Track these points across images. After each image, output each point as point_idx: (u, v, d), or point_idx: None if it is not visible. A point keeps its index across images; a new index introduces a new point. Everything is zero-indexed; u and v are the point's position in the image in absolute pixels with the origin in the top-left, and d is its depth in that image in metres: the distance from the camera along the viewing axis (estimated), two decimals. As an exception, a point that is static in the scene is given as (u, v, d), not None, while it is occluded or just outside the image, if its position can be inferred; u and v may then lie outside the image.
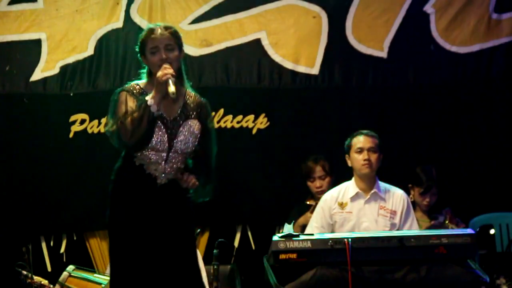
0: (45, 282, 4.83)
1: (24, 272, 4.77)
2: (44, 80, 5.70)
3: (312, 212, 5.09)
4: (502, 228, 5.48)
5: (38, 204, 5.65)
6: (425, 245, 3.99)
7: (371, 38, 5.81)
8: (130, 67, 5.69)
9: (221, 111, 5.71)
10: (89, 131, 5.69)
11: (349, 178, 5.00)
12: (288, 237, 3.99)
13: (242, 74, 5.79)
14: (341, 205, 4.90)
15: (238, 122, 5.72)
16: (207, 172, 3.79)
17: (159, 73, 3.60)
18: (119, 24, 5.75)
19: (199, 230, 5.41)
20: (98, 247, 5.77)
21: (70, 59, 5.72)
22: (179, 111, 3.75)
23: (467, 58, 5.81)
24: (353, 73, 5.81)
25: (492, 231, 5.50)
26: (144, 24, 5.69)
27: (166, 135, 3.68)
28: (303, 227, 5.11)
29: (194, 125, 3.75)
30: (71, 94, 5.72)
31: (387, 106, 5.81)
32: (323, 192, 5.18)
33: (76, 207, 5.70)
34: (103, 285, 4.63)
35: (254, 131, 5.75)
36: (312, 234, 4.18)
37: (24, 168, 5.67)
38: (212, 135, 3.84)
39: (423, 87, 5.81)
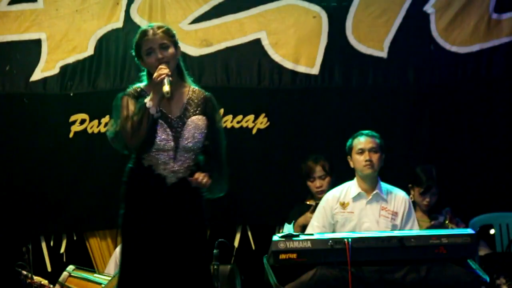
0: (45, 282, 4.83)
1: (24, 272, 4.77)
2: (44, 80, 5.71)
3: (312, 212, 5.08)
4: (502, 228, 5.48)
5: (38, 204, 5.65)
6: (425, 245, 3.99)
7: (371, 38, 5.81)
8: (130, 67, 5.69)
9: (221, 111, 5.68)
10: (89, 131, 5.69)
11: (349, 178, 5.00)
12: (288, 237, 3.99)
13: (242, 74, 5.79)
14: (343, 205, 4.90)
15: (238, 122, 5.71)
16: (219, 167, 3.77)
17: (155, 74, 3.60)
18: (119, 24, 5.75)
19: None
20: (98, 247, 5.77)
21: (70, 59, 5.72)
22: (183, 109, 3.74)
23: (467, 58, 5.80)
24: (353, 73, 5.81)
25: (492, 231, 5.50)
26: (144, 24, 5.67)
27: (171, 135, 3.68)
28: (303, 227, 5.11)
29: (199, 120, 3.74)
30: (71, 94, 5.72)
31: (387, 106, 5.81)
32: (323, 192, 5.18)
33: (76, 207, 5.70)
34: (103, 285, 4.64)
35: (254, 131, 5.75)
36: (312, 234, 4.18)
37: (24, 168, 5.67)
38: (220, 128, 3.83)
39: (423, 87, 5.81)
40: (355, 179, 4.96)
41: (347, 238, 3.96)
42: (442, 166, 5.50)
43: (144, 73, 3.79)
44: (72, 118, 5.69)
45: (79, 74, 5.72)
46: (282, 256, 3.94)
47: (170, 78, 3.61)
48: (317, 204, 5.07)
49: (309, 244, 3.96)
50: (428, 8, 5.81)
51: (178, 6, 5.77)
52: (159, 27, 3.74)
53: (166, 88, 3.56)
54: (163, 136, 3.66)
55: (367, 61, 5.81)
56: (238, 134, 5.71)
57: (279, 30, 5.80)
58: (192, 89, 3.81)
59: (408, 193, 5.11)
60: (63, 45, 5.73)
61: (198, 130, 3.72)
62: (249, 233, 5.82)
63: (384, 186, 4.94)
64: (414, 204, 5.15)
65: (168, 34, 3.74)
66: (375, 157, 4.86)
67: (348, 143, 4.96)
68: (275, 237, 4.02)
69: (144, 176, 3.70)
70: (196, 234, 3.71)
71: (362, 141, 4.90)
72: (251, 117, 5.74)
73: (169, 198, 3.67)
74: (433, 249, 3.98)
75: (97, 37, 5.73)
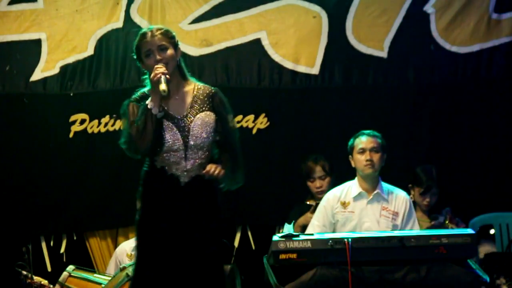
0: (45, 282, 4.83)
1: (24, 272, 4.77)
2: (44, 80, 5.71)
3: (312, 212, 5.08)
4: (502, 228, 5.47)
5: (38, 204, 5.65)
6: (425, 245, 3.98)
7: (371, 38, 5.80)
8: (130, 67, 5.70)
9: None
10: (89, 131, 5.69)
11: (349, 178, 5.00)
12: (288, 237, 3.99)
13: (242, 74, 5.79)
14: (344, 205, 4.90)
15: (238, 122, 5.70)
16: (232, 159, 3.80)
17: (152, 75, 3.62)
18: (119, 24, 5.75)
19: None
20: (98, 247, 5.77)
21: (70, 59, 5.72)
22: (189, 107, 3.75)
23: (467, 58, 5.80)
24: (353, 73, 5.81)
25: (492, 231, 5.50)
26: (144, 24, 5.69)
27: (178, 134, 3.69)
28: (303, 227, 5.11)
29: (207, 116, 3.74)
30: (71, 94, 5.72)
31: (387, 106, 5.81)
32: (323, 192, 5.18)
33: (76, 207, 5.70)
34: (103, 285, 4.63)
35: (254, 131, 5.74)
36: (312, 234, 4.18)
37: (24, 168, 5.67)
38: (230, 121, 3.84)
39: (423, 87, 5.81)
40: (356, 178, 4.96)
41: (347, 238, 3.95)
42: (442, 166, 5.50)
43: (147, 76, 3.79)
44: (72, 118, 5.69)
45: (79, 74, 5.72)
46: (282, 256, 3.94)
47: (167, 77, 3.61)
48: (317, 204, 5.07)
49: (309, 244, 3.96)
50: (428, 8, 5.81)
51: (178, 6, 5.76)
52: (158, 29, 3.76)
53: (163, 86, 3.57)
54: (171, 137, 3.69)
55: (367, 61, 5.81)
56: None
57: (279, 30, 5.80)
58: (197, 86, 3.82)
59: (408, 193, 5.11)
60: (63, 45, 5.73)
61: (206, 127, 3.73)
62: (249, 233, 5.82)
63: (385, 186, 4.95)
64: (414, 204, 5.15)
65: (167, 35, 3.75)
66: (376, 157, 4.86)
67: (350, 143, 4.97)
68: (275, 237, 4.02)
69: (158, 177, 3.73)
70: (212, 231, 3.74)
71: (363, 140, 4.91)
72: (251, 117, 5.74)
73: (184, 198, 3.69)
74: (433, 249, 3.97)
75: (97, 37, 5.73)
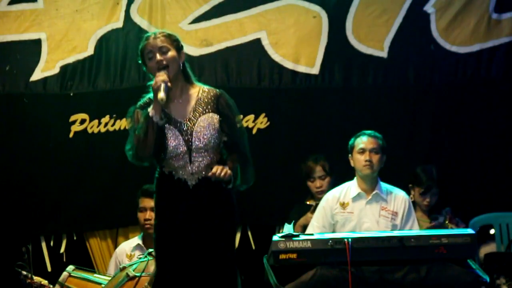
0: (45, 282, 4.82)
1: (24, 272, 4.76)
2: (44, 80, 5.70)
3: (312, 212, 5.09)
4: (502, 228, 5.47)
5: (38, 204, 5.65)
6: (425, 245, 3.98)
7: (371, 38, 5.80)
8: (130, 67, 5.70)
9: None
10: (89, 131, 5.69)
11: (349, 178, 5.00)
12: (288, 237, 3.99)
13: (242, 74, 5.79)
14: (343, 205, 4.91)
15: (238, 122, 5.71)
16: (241, 160, 3.81)
17: (153, 82, 3.63)
18: (119, 24, 5.75)
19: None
20: (98, 247, 5.77)
21: (70, 59, 5.72)
22: (192, 110, 3.75)
23: (467, 58, 5.80)
24: (353, 73, 5.81)
25: (492, 231, 5.50)
26: (144, 24, 5.69)
27: (181, 138, 3.70)
28: (304, 228, 5.11)
29: (210, 118, 3.74)
30: (71, 94, 5.72)
31: (387, 106, 5.81)
32: (323, 192, 5.18)
33: (76, 207, 5.70)
34: (103, 285, 4.63)
35: (254, 131, 5.74)
36: (312, 234, 4.18)
37: (24, 168, 5.67)
38: (237, 122, 3.84)
39: (423, 87, 5.81)
40: (355, 179, 4.97)
41: (347, 238, 3.95)
42: (442, 166, 5.50)
43: (151, 82, 3.77)
44: (72, 118, 5.68)
45: (79, 74, 5.72)
46: (282, 256, 3.94)
47: (169, 84, 3.62)
48: (317, 204, 5.07)
49: (309, 244, 3.95)
50: (428, 8, 5.81)
51: (178, 6, 5.76)
52: (160, 32, 3.79)
53: (161, 94, 3.57)
54: (174, 141, 3.70)
55: (367, 61, 5.80)
56: (238, 134, 5.71)
57: (279, 30, 5.80)
58: (202, 89, 3.83)
59: (408, 193, 5.11)
60: (63, 45, 5.72)
61: (209, 128, 3.73)
62: (249, 233, 5.82)
63: (384, 186, 4.95)
64: (414, 204, 5.15)
65: (170, 38, 3.76)
66: (375, 158, 4.87)
67: (350, 142, 4.97)
68: (275, 237, 4.02)
69: (167, 183, 3.75)
70: (226, 231, 3.77)
71: (364, 140, 4.91)
72: (251, 117, 5.74)
73: (194, 200, 3.71)
74: (433, 249, 3.97)
75: (97, 37, 5.73)
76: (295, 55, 5.78)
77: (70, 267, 4.81)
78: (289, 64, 5.78)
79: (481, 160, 5.77)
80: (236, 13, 5.78)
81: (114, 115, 5.66)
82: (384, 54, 5.81)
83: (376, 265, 3.97)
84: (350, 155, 4.97)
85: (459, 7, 5.79)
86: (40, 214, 5.66)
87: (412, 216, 4.91)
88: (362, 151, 4.88)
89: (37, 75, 5.70)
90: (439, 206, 5.20)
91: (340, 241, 3.95)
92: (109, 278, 4.68)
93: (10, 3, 5.71)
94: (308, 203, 5.36)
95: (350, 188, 4.95)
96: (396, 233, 4.24)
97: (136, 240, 5.31)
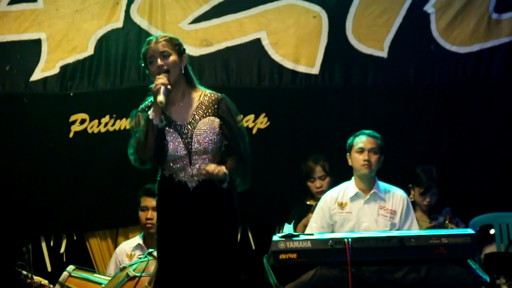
0: (45, 282, 4.82)
1: (24, 272, 4.76)
2: (44, 80, 5.70)
3: (313, 212, 5.08)
4: (502, 228, 5.47)
5: (38, 204, 5.65)
6: (425, 245, 3.98)
7: (371, 38, 5.80)
8: (130, 67, 5.70)
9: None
10: (89, 131, 5.69)
11: (349, 178, 5.00)
12: (288, 237, 3.99)
13: (242, 74, 5.79)
14: (341, 205, 4.91)
15: (238, 122, 5.71)
16: (240, 163, 3.81)
17: (153, 85, 3.64)
18: (119, 24, 5.75)
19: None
20: (98, 247, 5.77)
21: (70, 59, 5.72)
22: (193, 114, 3.76)
23: (467, 58, 5.80)
24: (353, 73, 5.81)
25: (492, 231, 5.50)
26: (144, 24, 5.69)
27: (181, 141, 3.72)
28: (306, 227, 5.11)
29: (210, 121, 3.75)
30: (71, 94, 5.72)
31: (387, 106, 5.81)
32: (323, 192, 5.18)
33: (76, 207, 5.70)
34: (103, 285, 4.63)
35: (254, 131, 5.74)
36: (312, 234, 4.18)
37: (24, 168, 5.67)
38: (238, 126, 3.84)
39: (423, 87, 5.81)
40: (353, 178, 4.97)
41: (347, 238, 3.95)
42: (442, 166, 5.50)
43: (152, 85, 3.78)
44: (72, 118, 5.68)
45: (79, 74, 5.72)
46: (282, 256, 3.94)
47: (168, 87, 3.63)
48: (317, 204, 5.07)
49: (309, 244, 3.95)
50: (429, 8, 5.81)
51: (178, 6, 5.76)
52: (162, 36, 3.80)
53: (160, 97, 3.59)
54: (174, 144, 3.71)
55: (367, 61, 5.81)
56: (238, 134, 5.70)
57: (279, 30, 5.80)
58: (204, 93, 3.84)
59: (408, 193, 5.12)
60: (63, 45, 5.72)
61: (209, 132, 3.74)
62: (249, 233, 5.82)
63: (382, 185, 4.95)
64: (414, 204, 5.16)
65: (171, 42, 3.77)
66: (374, 158, 4.87)
67: (349, 141, 4.97)
68: (275, 237, 4.02)
69: (168, 186, 3.77)
70: (227, 233, 3.79)
71: (363, 140, 4.92)
72: (251, 117, 5.74)
73: (194, 202, 3.72)
74: (433, 249, 3.97)
75: (97, 37, 5.73)
76: (295, 55, 5.78)
77: (70, 267, 4.81)
78: (289, 64, 5.78)
79: (481, 160, 5.77)
80: (236, 13, 5.78)
81: (114, 115, 5.66)
82: (384, 54, 5.81)
83: (376, 265, 3.97)
84: (348, 154, 4.97)
85: (459, 7, 5.79)
86: (40, 214, 5.65)
87: (410, 214, 4.91)
88: (361, 150, 4.89)
89: (37, 75, 5.70)
90: (439, 206, 5.20)
91: (340, 241, 3.95)
92: (109, 278, 4.68)
93: (10, 3, 5.71)
94: (308, 203, 5.37)
95: (348, 188, 4.95)
96: (396, 233, 4.24)
97: (136, 239, 5.31)
